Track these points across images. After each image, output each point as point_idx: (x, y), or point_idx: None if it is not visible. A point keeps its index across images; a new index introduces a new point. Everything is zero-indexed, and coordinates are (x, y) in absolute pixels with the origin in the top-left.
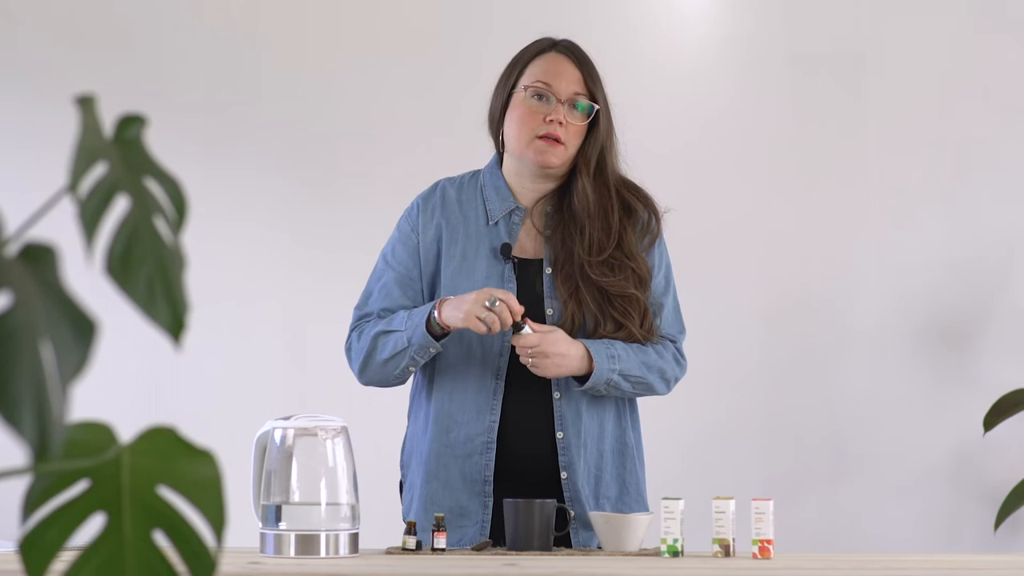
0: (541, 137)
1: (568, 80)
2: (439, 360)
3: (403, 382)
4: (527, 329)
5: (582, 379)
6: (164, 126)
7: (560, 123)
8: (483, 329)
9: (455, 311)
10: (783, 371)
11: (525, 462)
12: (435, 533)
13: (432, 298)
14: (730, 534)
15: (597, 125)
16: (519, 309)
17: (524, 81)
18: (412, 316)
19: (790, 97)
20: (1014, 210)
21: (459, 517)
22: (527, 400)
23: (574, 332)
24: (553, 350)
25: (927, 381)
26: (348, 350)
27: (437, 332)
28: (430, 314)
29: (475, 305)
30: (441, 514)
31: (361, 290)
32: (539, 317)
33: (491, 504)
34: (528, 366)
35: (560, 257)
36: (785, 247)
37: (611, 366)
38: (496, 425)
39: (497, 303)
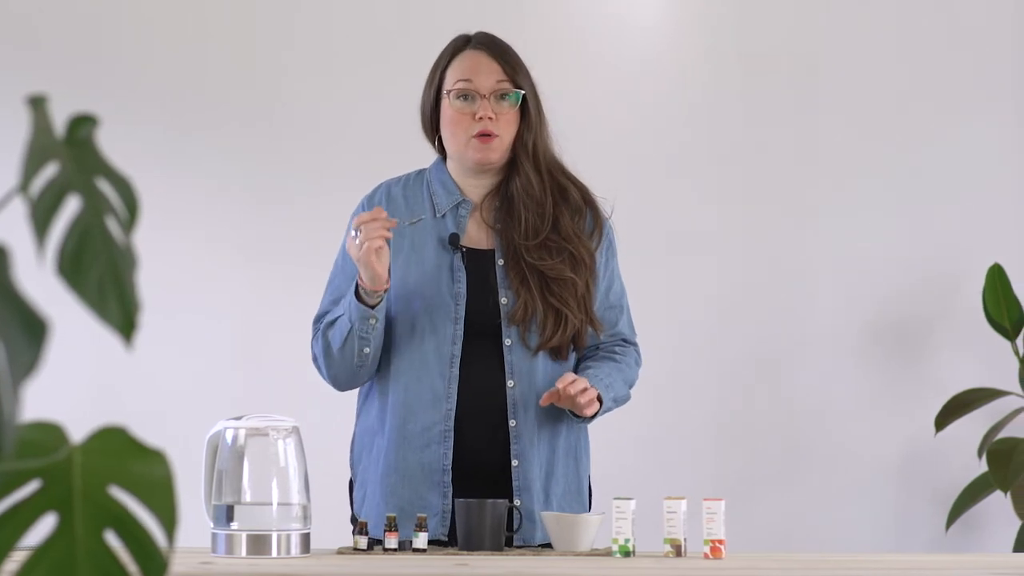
0: (476, 136)
1: (487, 73)
2: (392, 352)
3: (372, 374)
4: None
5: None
6: (116, 134)
7: (490, 118)
8: (363, 249)
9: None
10: (735, 371)
11: (480, 451)
12: (387, 533)
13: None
14: (681, 534)
15: (528, 111)
16: (382, 219)
17: (447, 85)
18: (346, 296)
19: (741, 97)
20: (965, 211)
21: (420, 510)
22: (481, 389)
23: (527, 320)
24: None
25: (879, 381)
26: (314, 360)
27: (366, 299)
28: (356, 283)
29: (353, 248)
30: (393, 514)
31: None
32: (494, 307)
33: (450, 494)
34: (586, 408)
35: (509, 248)
36: (737, 248)
37: (609, 395)
38: (453, 413)
39: (359, 230)
